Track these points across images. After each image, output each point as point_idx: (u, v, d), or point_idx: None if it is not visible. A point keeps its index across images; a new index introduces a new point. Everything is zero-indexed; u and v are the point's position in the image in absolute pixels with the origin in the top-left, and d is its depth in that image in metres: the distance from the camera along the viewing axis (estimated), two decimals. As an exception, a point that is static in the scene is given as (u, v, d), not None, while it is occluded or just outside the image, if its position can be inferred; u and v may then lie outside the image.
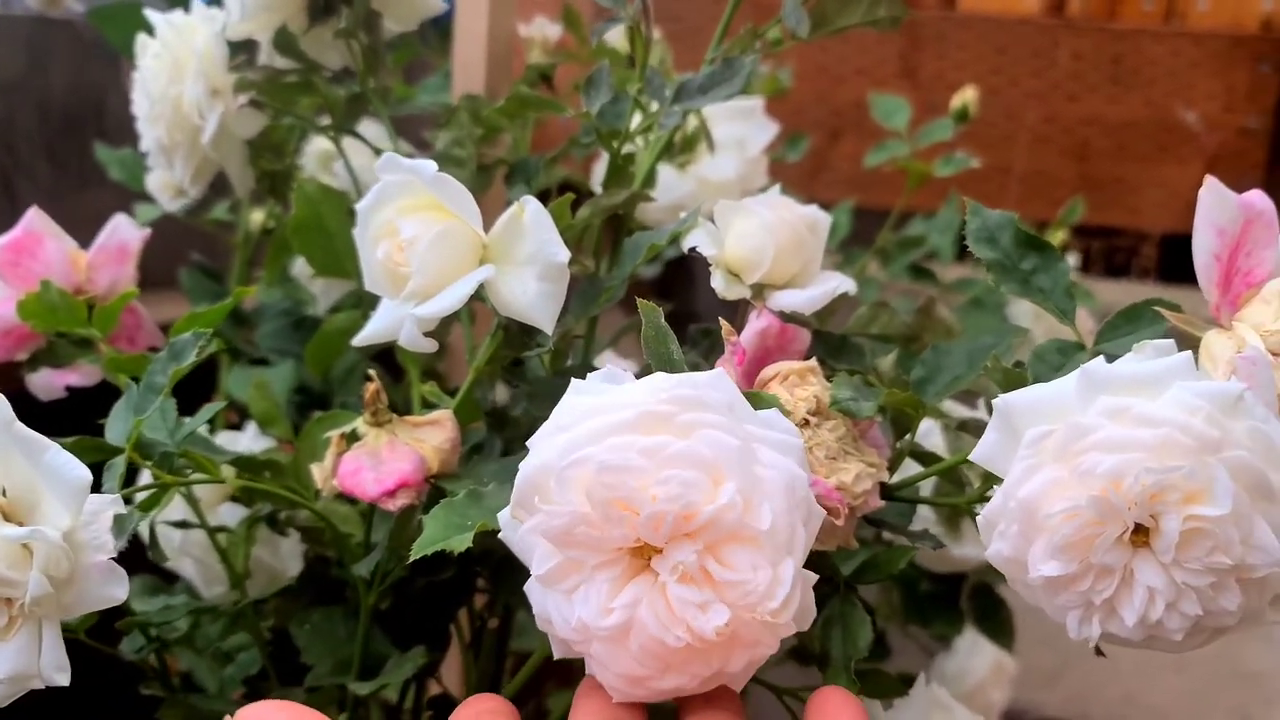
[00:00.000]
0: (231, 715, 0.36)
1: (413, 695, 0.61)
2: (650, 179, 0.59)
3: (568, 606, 0.40)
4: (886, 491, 0.48)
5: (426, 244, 0.47)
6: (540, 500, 0.39)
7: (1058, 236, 1.01)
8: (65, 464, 0.40)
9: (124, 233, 0.60)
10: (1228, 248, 0.43)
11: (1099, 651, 0.50)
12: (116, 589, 0.41)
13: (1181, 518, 0.36)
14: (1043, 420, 0.39)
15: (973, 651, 0.92)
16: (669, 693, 0.42)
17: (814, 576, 0.41)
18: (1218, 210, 0.42)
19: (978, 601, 0.85)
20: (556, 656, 0.43)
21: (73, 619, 0.43)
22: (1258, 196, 0.43)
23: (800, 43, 0.55)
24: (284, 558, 0.63)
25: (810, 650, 0.47)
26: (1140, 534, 0.37)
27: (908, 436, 0.49)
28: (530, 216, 0.48)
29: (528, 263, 0.48)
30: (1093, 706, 1.06)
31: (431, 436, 0.50)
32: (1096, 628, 0.39)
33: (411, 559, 0.41)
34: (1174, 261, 1.57)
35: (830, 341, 0.54)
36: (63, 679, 0.41)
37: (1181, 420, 0.36)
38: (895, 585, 0.81)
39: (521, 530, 0.40)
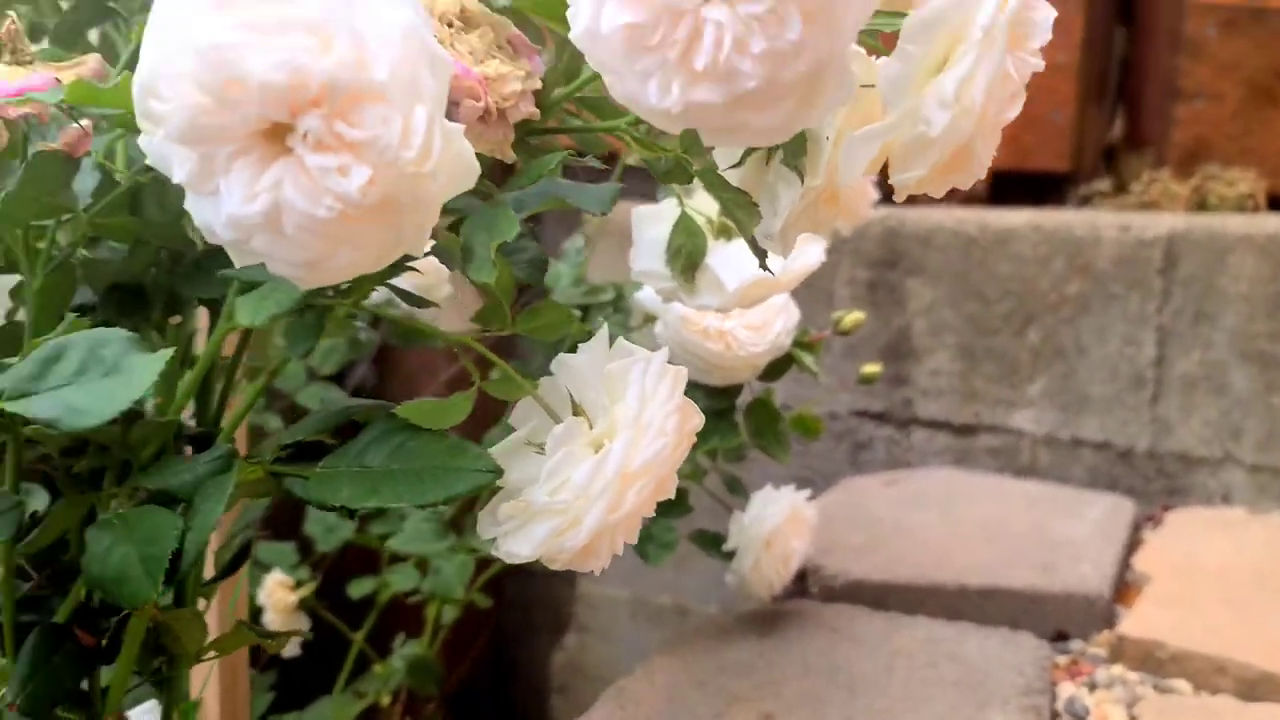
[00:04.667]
0: None
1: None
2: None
3: (216, 206, 0.35)
4: (544, 105, 0.45)
5: None
6: (155, 103, 0.34)
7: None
8: None
9: None
10: None
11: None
12: None
13: None
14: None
15: (769, 500, 0.89)
16: (355, 268, 0.37)
17: (457, 128, 0.37)
18: None
19: (753, 416, 0.82)
20: (237, 263, 0.38)
21: None
22: None
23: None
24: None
25: (453, 254, 0.43)
26: None
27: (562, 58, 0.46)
28: None
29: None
30: (903, 570, 1.02)
31: (74, 70, 0.44)
32: (676, 91, 0.34)
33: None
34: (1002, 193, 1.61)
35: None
36: None
37: None
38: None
39: (155, 141, 0.35)
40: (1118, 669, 0.92)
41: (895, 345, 1.44)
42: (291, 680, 1.06)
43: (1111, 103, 1.82)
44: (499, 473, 0.45)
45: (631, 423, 0.44)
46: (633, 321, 0.85)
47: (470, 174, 0.38)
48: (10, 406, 0.37)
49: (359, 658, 1.01)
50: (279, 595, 0.89)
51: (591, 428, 0.46)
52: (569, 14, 0.36)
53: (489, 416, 0.88)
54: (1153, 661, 0.91)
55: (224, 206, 0.34)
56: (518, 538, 0.45)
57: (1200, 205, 1.53)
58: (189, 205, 0.36)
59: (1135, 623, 0.95)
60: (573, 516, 0.44)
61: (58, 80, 0.44)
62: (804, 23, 0.33)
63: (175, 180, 0.35)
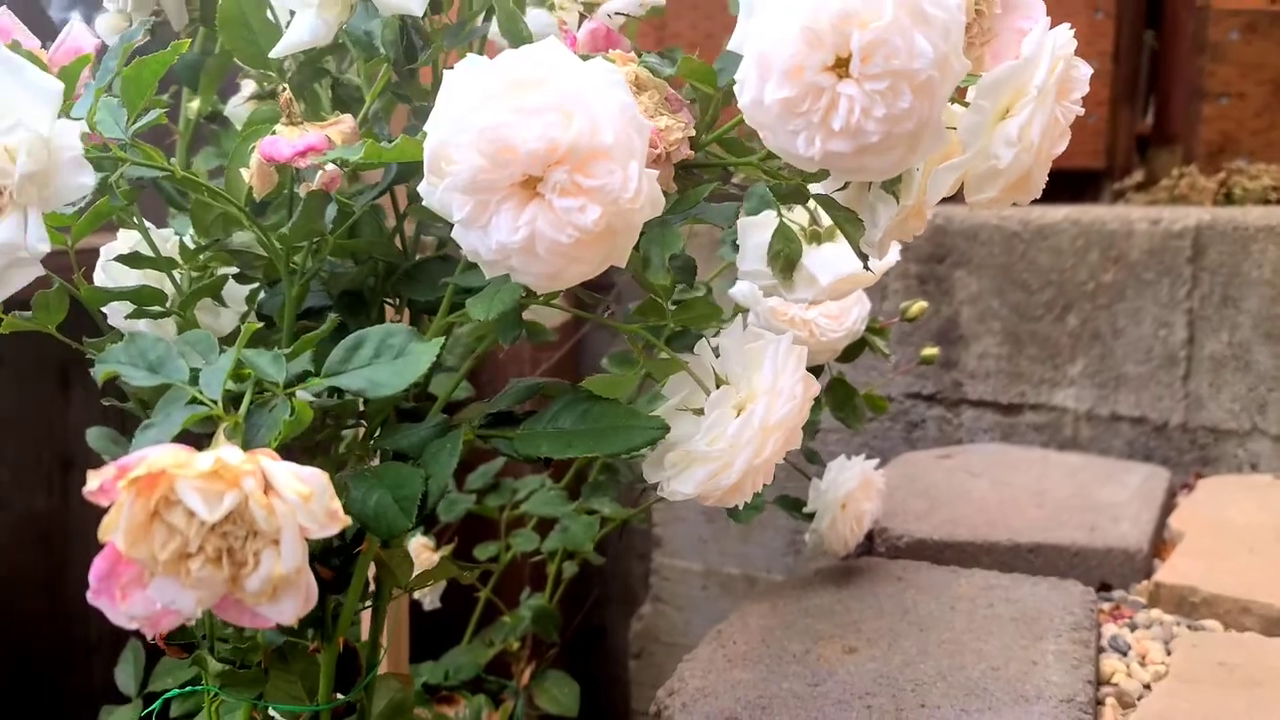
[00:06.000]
0: None
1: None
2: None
3: (486, 237, 0.48)
4: (695, 145, 0.58)
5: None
6: (445, 165, 0.47)
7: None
8: (42, 79, 0.48)
9: (79, 39, 0.65)
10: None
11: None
12: (86, 177, 0.48)
13: (862, 35, 0.45)
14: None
15: (843, 468, 1.02)
16: (580, 277, 0.50)
17: (654, 173, 0.50)
18: None
19: (834, 392, 0.96)
20: (489, 275, 0.51)
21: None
22: None
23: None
24: (223, 324, 0.68)
25: (634, 264, 0.56)
26: (840, 66, 0.46)
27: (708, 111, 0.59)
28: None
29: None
30: (960, 530, 1.15)
31: (336, 129, 0.57)
32: (819, 144, 0.47)
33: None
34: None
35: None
36: (44, 248, 0.49)
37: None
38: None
39: (439, 191, 0.48)
40: (1155, 612, 1.04)
41: (945, 332, 1.56)
42: (420, 635, 1.20)
43: (1143, 102, 1.93)
44: (667, 429, 0.58)
45: (768, 389, 0.58)
46: (724, 313, 0.98)
47: (659, 204, 0.51)
48: (328, 382, 0.51)
49: (482, 613, 1.15)
50: (424, 555, 1.03)
51: (737, 394, 0.59)
52: (736, 89, 0.49)
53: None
54: (1186, 605, 1.04)
55: (493, 237, 0.48)
56: (682, 479, 0.59)
57: (1227, 197, 1.65)
58: (459, 236, 0.50)
59: (1170, 572, 1.07)
60: (726, 461, 0.57)
61: (329, 138, 0.57)
62: (912, 95, 0.46)
63: (455, 219, 0.48)
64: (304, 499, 0.41)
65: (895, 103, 0.46)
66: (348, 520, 0.42)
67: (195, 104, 0.88)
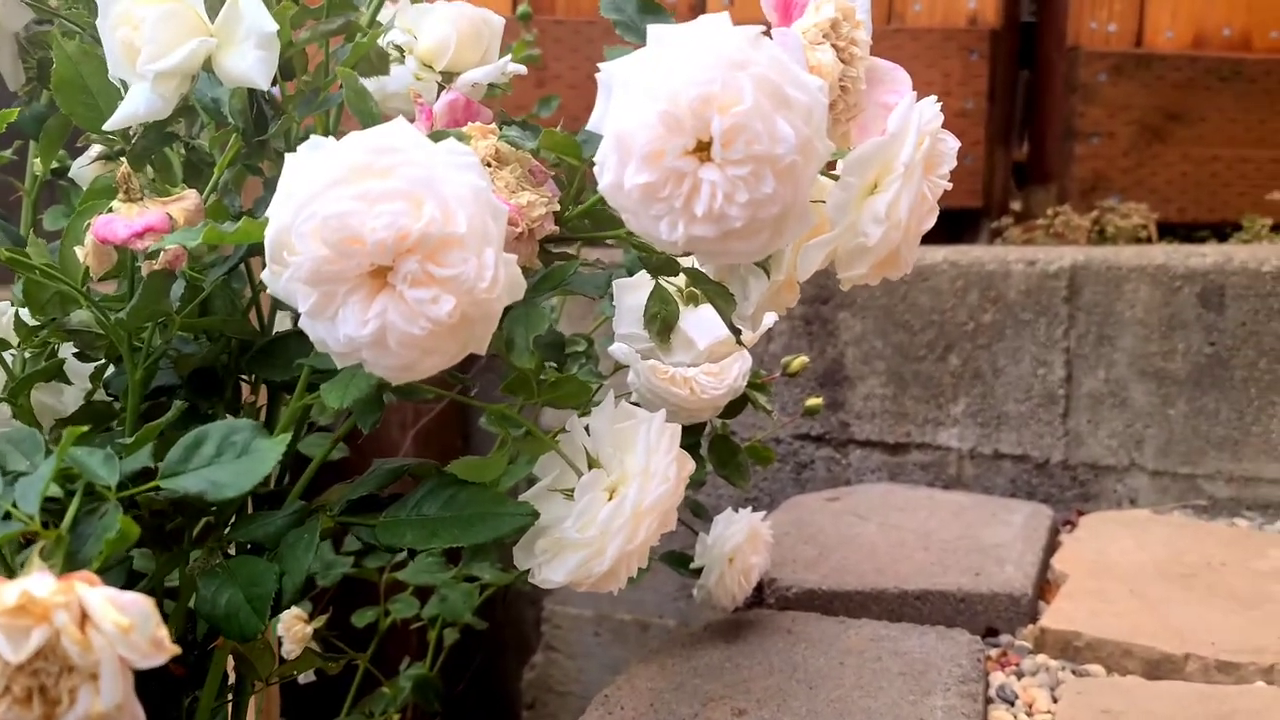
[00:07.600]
0: None
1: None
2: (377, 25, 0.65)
3: (334, 329, 0.45)
4: (560, 221, 0.56)
5: (154, 20, 0.53)
6: (287, 254, 0.44)
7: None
8: None
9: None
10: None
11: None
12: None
13: (723, 120, 0.43)
14: (624, 72, 0.46)
15: (730, 522, 1.01)
16: (436, 368, 0.47)
17: (512, 258, 0.47)
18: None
19: (716, 450, 0.94)
20: (340, 366, 0.48)
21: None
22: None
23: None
24: (66, 402, 0.63)
25: (497, 345, 0.54)
26: (701, 150, 0.45)
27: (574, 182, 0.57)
28: (244, 1, 0.54)
29: (245, 38, 0.54)
30: (849, 578, 1.14)
31: (179, 205, 0.54)
32: (681, 229, 0.45)
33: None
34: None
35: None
36: None
37: (715, 46, 0.44)
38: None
39: (282, 281, 0.45)
40: (1041, 658, 1.05)
41: (831, 373, 1.57)
42: (296, 706, 1.15)
43: (1018, 142, 1.97)
44: (536, 515, 0.56)
45: (640, 471, 0.55)
46: (603, 368, 0.95)
47: (520, 289, 0.48)
48: (166, 484, 0.48)
49: (362, 680, 1.11)
50: (296, 627, 0.99)
51: (608, 476, 0.57)
52: (596, 170, 0.47)
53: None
54: (1071, 649, 1.04)
55: (340, 330, 0.45)
56: (552, 566, 0.56)
57: (1100, 235, 1.68)
58: (306, 327, 0.46)
59: (1055, 616, 1.08)
60: (598, 548, 0.55)
61: (169, 215, 0.54)
62: (775, 180, 0.45)
63: (300, 310, 0.45)
64: (124, 630, 0.37)
65: (758, 188, 0.45)
66: (175, 649, 0.39)
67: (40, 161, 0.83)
